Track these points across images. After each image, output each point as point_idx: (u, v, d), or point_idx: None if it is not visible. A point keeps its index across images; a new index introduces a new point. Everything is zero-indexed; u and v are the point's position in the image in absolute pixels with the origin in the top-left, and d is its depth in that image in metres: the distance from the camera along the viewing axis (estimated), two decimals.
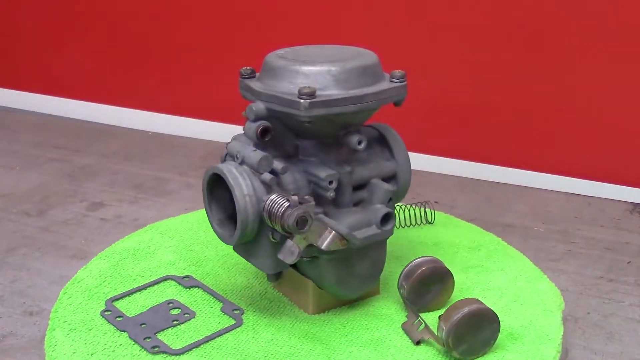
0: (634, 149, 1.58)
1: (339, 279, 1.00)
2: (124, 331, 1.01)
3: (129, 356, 0.96)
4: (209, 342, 0.99)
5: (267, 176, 0.92)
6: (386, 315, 1.04)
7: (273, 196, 0.91)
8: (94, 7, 2.05)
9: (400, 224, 1.29)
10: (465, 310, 0.92)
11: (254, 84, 0.99)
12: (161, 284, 1.15)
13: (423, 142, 1.76)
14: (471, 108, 1.70)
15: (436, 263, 1.04)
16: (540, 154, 1.66)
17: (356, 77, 0.95)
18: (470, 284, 1.12)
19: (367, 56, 1.00)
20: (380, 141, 1.07)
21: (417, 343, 0.97)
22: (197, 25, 1.93)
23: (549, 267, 1.29)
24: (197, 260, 1.21)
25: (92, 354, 0.97)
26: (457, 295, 1.06)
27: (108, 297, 1.10)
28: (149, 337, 1.00)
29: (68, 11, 2.08)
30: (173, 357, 0.96)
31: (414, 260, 1.03)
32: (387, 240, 1.04)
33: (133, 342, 0.99)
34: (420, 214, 1.33)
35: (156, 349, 0.97)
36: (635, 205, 1.58)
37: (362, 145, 0.96)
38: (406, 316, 1.02)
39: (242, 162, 0.95)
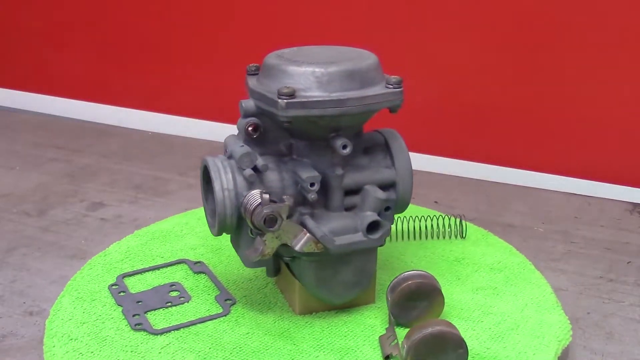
0: (634, 149, 1.58)
1: (321, 282, 1.00)
2: (120, 306, 1.08)
3: (113, 329, 1.03)
4: (189, 327, 1.03)
5: (248, 172, 0.94)
6: (370, 325, 1.03)
7: (251, 192, 0.93)
8: (94, 7, 2.05)
9: (428, 235, 1.26)
10: (428, 330, 0.88)
11: (251, 81, 0.99)
12: (174, 267, 1.20)
13: (423, 142, 1.76)
14: (471, 108, 1.70)
15: (425, 279, 1.00)
16: (540, 154, 1.66)
17: (340, 81, 0.92)
18: (472, 306, 1.07)
19: (361, 60, 0.96)
20: (384, 148, 1.04)
21: (386, 358, 0.94)
22: (197, 25, 1.93)
23: (549, 267, 1.29)
24: (216, 248, 1.25)
25: (83, 323, 1.04)
26: (452, 314, 1.04)
27: (123, 273, 1.18)
28: (137, 315, 1.06)
29: (68, 11, 2.08)
30: (151, 335, 1.01)
31: (404, 272, 1.01)
32: (407, 250, 1.05)
33: (123, 317, 1.05)
34: (452, 227, 1.28)
35: (138, 327, 1.03)
36: (635, 205, 1.58)
37: (347, 150, 0.94)
38: (386, 329, 1.01)
39: (230, 157, 0.97)
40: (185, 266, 1.20)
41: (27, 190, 1.65)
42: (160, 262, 1.21)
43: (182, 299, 1.10)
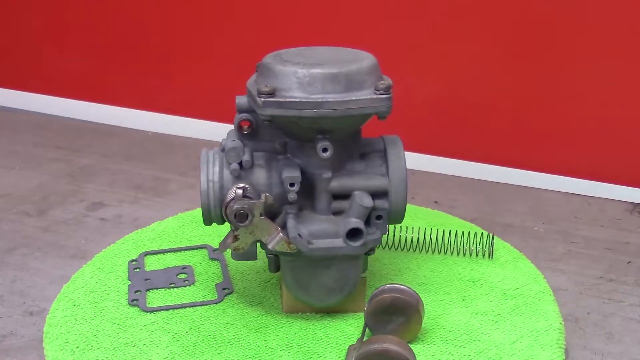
0: (634, 149, 1.58)
1: (298, 283, 1.00)
2: (130, 281, 1.16)
3: (113, 302, 1.10)
4: (179, 310, 1.08)
5: (233, 166, 0.96)
6: (348, 333, 1.02)
7: (232, 187, 0.95)
8: (94, 7, 2.04)
9: (455, 251, 1.23)
10: (373, 346, 0.87)
11: (251, 79, 1.00)
12: (194, 251, 1.25)
13: (423, 142, 1.76)
14: (471, 108, 1.70)
15: (402, 294, 0.97)
16: (540, 154, 1.66)
17: (322, 83, 0.91)
18: (462, 330, 1.02)
19: (352, 62, 0.95)
20: (382, 154, 1.02)
21: None
22: (197, 25, 1.93)
23: (549, 267, 1.29)
24: None
25: (91, 292, 1.13)
26: (436, 335, 1.01)
27: (146, 251, 1.25)
28: (139, 291, 1.12)
29: (68, 11, 2.08)
30: (141, 312, 1.08)
31: (386, 284, 0.99)
32: (425, 264, 1.06)
33: (126, 292, 1.12)
34: (480, 245, 1.23)
35: (134, 302, 1.09)
36: (635, 205, 1.58)
37: (327, 154, 0.93)
38: (357, 339, 1.00)
39: (222, 150, 0.99)
40: (205, 251, 1.24)
41: (27, 190, 1.65)
42: (186, 244, 1.27)
43: (186, 282, 1.15)
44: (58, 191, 1.65)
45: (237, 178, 0.96)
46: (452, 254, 1.23)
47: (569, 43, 1.56)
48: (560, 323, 1.05)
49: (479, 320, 1.05)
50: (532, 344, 1.00)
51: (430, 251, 1.23)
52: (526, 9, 1.58)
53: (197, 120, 2.00)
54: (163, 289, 1.13)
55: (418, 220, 1.35)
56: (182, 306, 1.09)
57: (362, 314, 1.04)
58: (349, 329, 1.03)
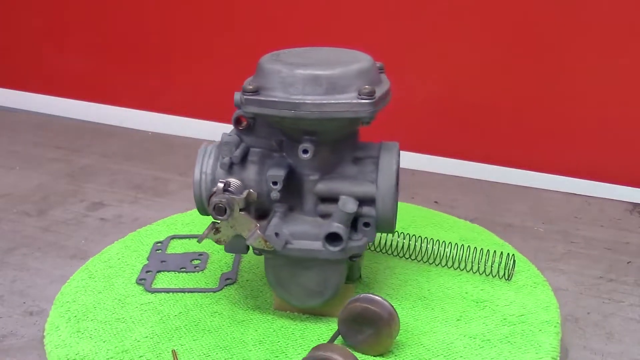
0: (634, 149, 1.58)
1: (279, 282, 1.00)
2: (147, 261, 1.19)
3: (123, 278, 1.15)
4: (177, 293, 1.10)
5: (224, 160, 0.97)
6: (323, 337, 1.00)
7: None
8: (94, 7, 2.05)
9: (474, 267, 1.16)
10: (316, 353, 0.88)
11: (250, 77, 1.00)
12: None
13: (423, 142, 1.76)
14: (471, 108, 1.70)
15: (374, 305, 0.93)
16: (540, 154, 1.67)
17: (303, 84, 0.90)
18: (441, 351, 0.97)
19: (340, 65, 0.93)
20: (376, 161, 0.99)
21: None
22: (197, 25, 1.93)
23: (549, 267, 1.29)
24: None
25: (111, 267, 1.18)
26: (408, 351, 0.96)
27: (174, 234, 1.28)
28: (150, 272, 1.15)
29: (68, 11, 2.09)
30: (144, 292, 1.11)
31: (363, 294, 0.96)
32: (435, 278, 1.06)
33: (139, 270, 1.16)
34: (499, 265, 1.14)
35: (141, 281, 1.13)
36: (635, 205, 1.58)
37: (307, 155, 0.92)
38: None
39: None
40: None
41: (27, 190, 1.65)
42: None
43: (197, 268, 1.17)
44: (58, 191, 1.65)
45: (229, 172, 0.97)
46: (468, 271, 1.16)
47: (568, 43, 1.56)
48: (553, 358, 0.96)
49: (464, 343, 0.98)
50: None
51: (447, 265, 1.17)
52: (526, 9, 1.58)
53: (197, 120, 2.00)
54: (173, 272, 1.16)
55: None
56: (182, 290, 1.11)
57: None
58: (328, 333, 1.01)
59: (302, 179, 0.97)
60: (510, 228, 1.46)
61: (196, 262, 1.19)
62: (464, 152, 1.73)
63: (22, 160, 1.84)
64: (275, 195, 0.94)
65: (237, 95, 0.98)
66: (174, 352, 0.96)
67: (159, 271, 1.16)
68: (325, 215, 0.98)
